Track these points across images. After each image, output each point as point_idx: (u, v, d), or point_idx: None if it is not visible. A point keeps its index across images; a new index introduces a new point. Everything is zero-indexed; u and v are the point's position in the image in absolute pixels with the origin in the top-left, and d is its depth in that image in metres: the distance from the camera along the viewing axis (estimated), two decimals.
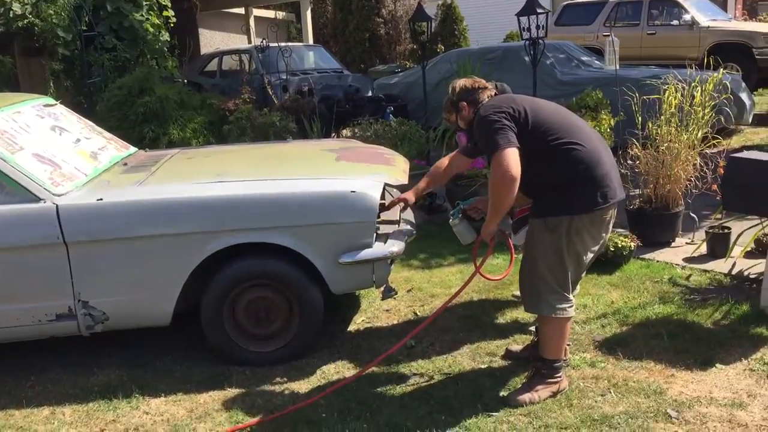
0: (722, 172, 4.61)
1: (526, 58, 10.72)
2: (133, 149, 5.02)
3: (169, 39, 10.53)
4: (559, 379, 3.50)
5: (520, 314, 4.48)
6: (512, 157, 3.20)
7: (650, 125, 5.49)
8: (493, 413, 3.37)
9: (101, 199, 3.76)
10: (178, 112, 7.41)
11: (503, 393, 3.55)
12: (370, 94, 12.13)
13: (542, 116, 3.38)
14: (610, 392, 3.49)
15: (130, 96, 7.47)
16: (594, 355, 3.90)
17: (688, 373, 3.64)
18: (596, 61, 11.39)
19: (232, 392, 3.73)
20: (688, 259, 5.27)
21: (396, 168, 4.39)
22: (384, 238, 4.01)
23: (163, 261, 3.79)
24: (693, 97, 5.39)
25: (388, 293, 4.05)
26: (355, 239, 3.83)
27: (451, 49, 13.86)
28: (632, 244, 5.16)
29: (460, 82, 3.65)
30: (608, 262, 5.07)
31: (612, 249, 5.05)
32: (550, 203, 3.34)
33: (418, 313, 4.62)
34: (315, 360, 4.02)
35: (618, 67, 7.02)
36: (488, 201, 3.37)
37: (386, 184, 4.10)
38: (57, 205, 3.70)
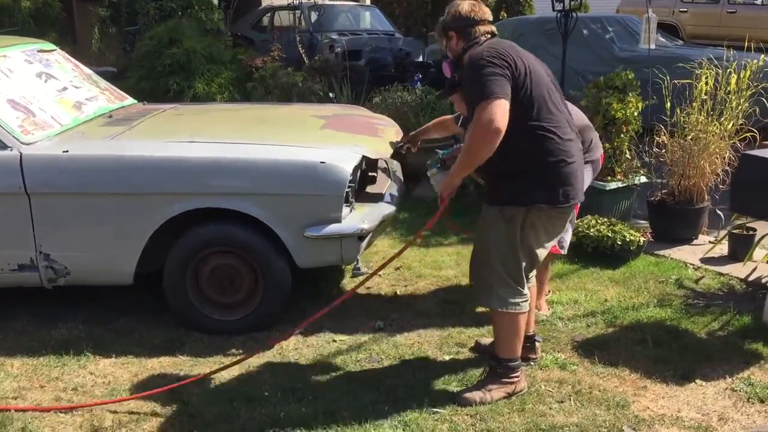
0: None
1: (585, 31, 10.22)
2: (129, 101, 4.93)
3: None
4: (515, 379, 3.25)
5: None
6: (502, 109, 2.80)
7: (678, 112, 5.08)
8: (439, 410, 3.16)
9: (66, 151, 3.68)
10: (205, 66, 7.30)
11: (457, 388, 3.33)
12: (420, 59, 11.80)
13: (535, 89, 2.96)
14: (570, 400, 3.23)
15: (159, 46, 7.40)
16: (568, 357, 3.63)
17: (662, 386, 3.34)
18: (662, 38, 10.79)
19: (181, 359, 3.64)
20: (706, 260, 4.88)
21: (382, 140, 4.16)
22: (360, 212, 3.82)
23: (124, 220, 3.69)
24: (728, 83, 4.94)
25: (357, 272, 3.85)
26: (322, 213, 3.64)
27: (515, 17, 13.36)
28: (642, 238, 4.81)
29: (458, 6, 3.15)
30: (614, 257, 4.75)
31: (619, 243, 4.71)
32: (508, 191, 3.03)
33: (399, 293, 4.41)
34: (276, 334, 3.87)
35: (653, 47, 6.53)
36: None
37: (366, 157, 3.88)
38: (21, 154, 3.63)
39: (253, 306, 3.87)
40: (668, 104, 5.13)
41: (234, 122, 4.53)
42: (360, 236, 3.73)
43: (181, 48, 7.27)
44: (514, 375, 3.24)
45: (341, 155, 3.69)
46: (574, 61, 7.73)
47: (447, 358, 3.65)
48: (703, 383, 3.36)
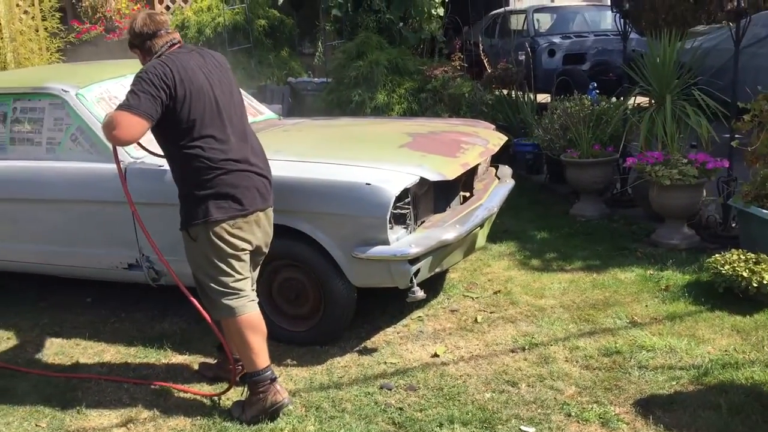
0: None
1: None
2: (265, 116, 5.27)
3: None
4: (261, 394, 3.22)
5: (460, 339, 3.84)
6: (133, 127, 3.00)
7: None
8: None
9: (161, 166, 4.08)
10: (387, 78, 7.51)
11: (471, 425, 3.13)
12: None
13: (194, 111, 3.11)
14: None
15: (348, 59, 7.77)
16: (622, 412, 3.20)
17: None
18: None
19: None
20: None
21: (455, 160, 4.01)
22: (415, 235, 3.76)
23: None
24: None
25: (412, 295, 3.75)
26: (368, 233, 3.63)
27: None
28: None
29: (133, 23, 3.23)
30: (750, 300, 4.04)
31: (755, 285, 4.00)
32: (185, 213, 3.24)
33: (479, 320, 4.20)
34: (334, 349, 3.92)
35: None
36: None
37: (423, 179, 3.78)
38: (127, 168, 4.11)
39: (316, 320, 3.97)
40: None
41: (322, 139, 4.65)
42: (410, 260, 3.65)
43: (366, 60, 7.56)
44: (260, 389, 3.22)
45: (390, 176, 3.64)
46: None
47: (488, 395, 3.42)
48: None
